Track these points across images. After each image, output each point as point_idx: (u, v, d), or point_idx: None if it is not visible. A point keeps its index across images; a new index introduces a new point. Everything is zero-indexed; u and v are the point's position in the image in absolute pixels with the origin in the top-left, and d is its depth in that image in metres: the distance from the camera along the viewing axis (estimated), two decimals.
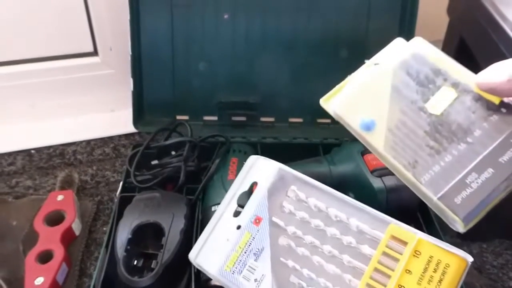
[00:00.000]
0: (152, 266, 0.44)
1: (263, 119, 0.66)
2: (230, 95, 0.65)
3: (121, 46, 0.66)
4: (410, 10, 0.61)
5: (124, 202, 0.51)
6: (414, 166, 0.34)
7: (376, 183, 0.51)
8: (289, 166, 0.56)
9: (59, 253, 0.50)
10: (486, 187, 0.32)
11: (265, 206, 0.41)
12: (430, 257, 0.35)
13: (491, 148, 0.33)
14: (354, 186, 0.54)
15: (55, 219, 0.55)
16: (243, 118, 0.66)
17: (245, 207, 0.41)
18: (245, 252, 0.39)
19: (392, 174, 0.52)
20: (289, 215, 0.40)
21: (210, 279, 0.45)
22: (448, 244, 0.36)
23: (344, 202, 0.40)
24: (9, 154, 0.68)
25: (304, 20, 0.62)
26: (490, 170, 0.32)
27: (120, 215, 0.49)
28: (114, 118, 0.73)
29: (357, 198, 0.53)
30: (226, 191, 0.51)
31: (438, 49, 0.38)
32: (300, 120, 0.67)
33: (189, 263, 0.47)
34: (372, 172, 0.53)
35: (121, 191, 0.55)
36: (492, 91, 0.34)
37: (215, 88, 0.65)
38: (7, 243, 0.54)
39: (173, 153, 0.58)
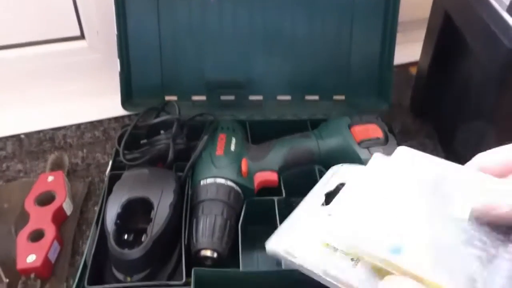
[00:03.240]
0: (142, 239, 0.45)
1: (251, 97, 0.67)
2: (218, 75, 0.65)
3: (108, 30, 0.65)
4: None
5: (114, 180, 0.51)
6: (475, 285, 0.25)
7: (364, 154, 0.52)
8: (277, 141, 0.57)
9: (50, 231, 0.51)
10: None
11: None
12: None
13: None
14: (342, 159, 0.54)
15: (46, 199, 0.55)
16: (231, 97, 0.66)
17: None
18: None
19: (379, 145, 0.53)
20: None
21: (200, 250, 0.45)
22: None
23: None
24: None
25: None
26: None
27: (110, 192, 0.49)
28: (103, 101, 0.73)
29: None
30: (215, 166, 0.52)
31: (424, 153, 0.32)
32: (288, 97, 0.67)
33: (179, 236, 0.47)
34: (359, 143, 0.53)
35: (111, 170, 0.55)
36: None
37: (203, 68, 0.65)
38: None
39: (162, 132, 0.58)
